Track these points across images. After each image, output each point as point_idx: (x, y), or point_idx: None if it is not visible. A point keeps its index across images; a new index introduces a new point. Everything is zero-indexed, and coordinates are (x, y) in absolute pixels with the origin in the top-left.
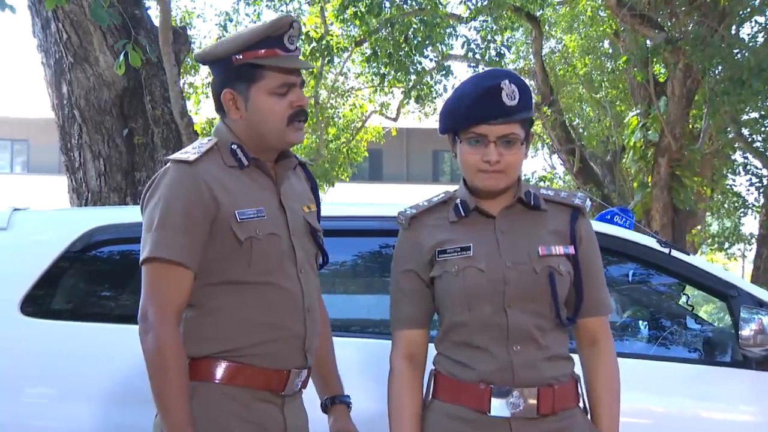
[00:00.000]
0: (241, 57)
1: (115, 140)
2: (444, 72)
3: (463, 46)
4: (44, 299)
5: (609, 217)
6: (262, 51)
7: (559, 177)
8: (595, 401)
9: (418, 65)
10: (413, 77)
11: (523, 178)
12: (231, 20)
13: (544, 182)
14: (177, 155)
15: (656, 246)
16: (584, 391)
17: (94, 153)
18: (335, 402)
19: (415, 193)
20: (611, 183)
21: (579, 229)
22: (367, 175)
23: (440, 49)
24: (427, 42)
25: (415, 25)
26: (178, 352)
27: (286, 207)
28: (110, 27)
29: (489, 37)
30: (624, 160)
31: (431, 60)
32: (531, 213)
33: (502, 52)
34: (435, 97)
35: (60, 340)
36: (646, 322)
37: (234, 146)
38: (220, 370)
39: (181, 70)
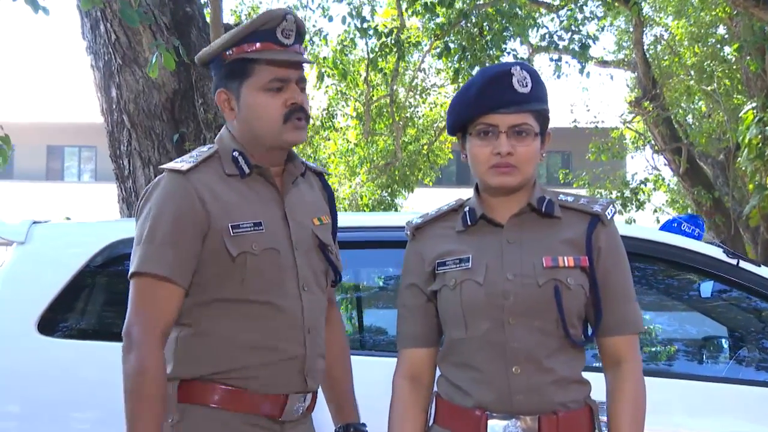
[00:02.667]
0: (231, 53)
1: (165, 146)
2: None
3: (544, 38)
4: (62, 317)
5: (675, 225)
6: (256, 45)
7: (663, 179)
8: (615, 429)
9: (495, 60)
10: None
11: (631, 181)
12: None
13: (646, 185)
14: (171, 164)
15: (723, 257)
16: (599, 418)
17: (144, 160)
18: (349, 430)
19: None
20: (724, 185)
21: (597, 239)
22: (455, 178)
23: (529, 41)
24: (504, 34)
25: (491, 17)
26: (157, 377)
27: (290, 219)
28: (160, 26)
29: (573, 27)
30: (738, 159)
31: (509, 53)
32: (544, 221)
33: (587, 43)
34: None
35: (78, 362)
36: (725, 341)
37: (235, 153)
38: (210, 393)
39: None
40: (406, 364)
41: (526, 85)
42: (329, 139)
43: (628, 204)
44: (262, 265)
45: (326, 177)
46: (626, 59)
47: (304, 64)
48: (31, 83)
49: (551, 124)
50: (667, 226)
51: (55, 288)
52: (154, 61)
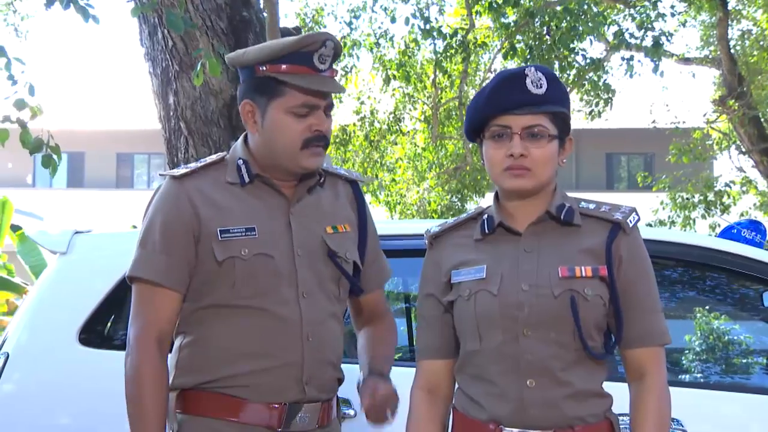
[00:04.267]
0: (265, 69)
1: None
2: (594, 65)
3: (615, 37)
4: (103, 328)
5: (735, 231)
6: (287, 66)
7: (752, 181)
8: None
9: (563, 60)
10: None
11: (716, 184)
12: (357, 17)
13: (731, 187)
14: (172, 170)
15: None
16: None
17: None
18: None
19: None
20: None
21: (618, 248)
22: None
23: (606, 38)
24: (572, 33)
25: (559, 15)
26: (155, 380)
27: (294, 226)
28: (217, 32)
29: (647, 25)
30: None
31: (577, 53)
32: (563, 229)
33: (660, 40)
34: (606, 94)
35: (119, 373)
36: None
37: (240, 161)
38: (207, 403)
39: None
40: (424, 375)
41: (541, 86)
42: (397, 144)
43: (712, 208)
44: (253, 270)
45: (361, 185)
46: (711, 56)
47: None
48: (102, 91)
49: (631, 124)
50: (726, 233)
51: (95, 299)
52: (198, 68)
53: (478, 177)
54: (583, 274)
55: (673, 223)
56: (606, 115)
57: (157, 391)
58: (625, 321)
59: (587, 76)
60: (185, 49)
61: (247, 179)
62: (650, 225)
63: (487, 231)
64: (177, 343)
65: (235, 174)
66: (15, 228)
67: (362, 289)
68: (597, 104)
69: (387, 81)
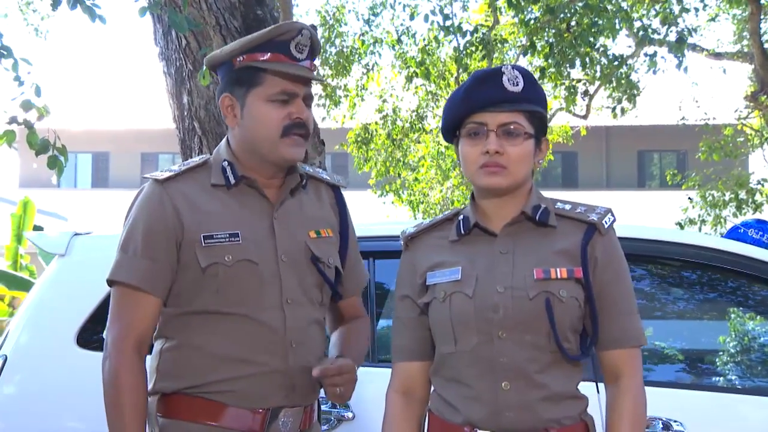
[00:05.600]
0: (242, 59)
1: None
2: (618, 62)
3: (638, 32)
4: (102, 330)
5: (741, 231)
6: (266, 55)
7: None
8: None
9: (584, 57)
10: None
11: (750, 181)
12: (376, 14)
13: (764, 185)
14: (155, 173)
15: None
16: None
17: None
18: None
19: (617, 200)
20: None
21: (593, 249)
22: (560, 181)
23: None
24: (594, 30)
25: (579, 12)
26: (133, 386)
27: (277, 231)
28: (230, 30)
29: (670, 20)
30: None
31: (599, 49)
32: (539, 230)
33: (684, 36)
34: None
35: None
36: None
37: (225, 163)
38: (189, 408)
39: (330, 72)
40: (400, 377)
41: (517, 84)
42: (420, 142)
43: (744, 206)
44: (236, 276)
45: (342, 190)
46: (743, 51)
47: (314, 83)
48: (126, 91)
49: (663, 121)
50: (733, 233)
51: (94, 301)
52: (204, 68)
53: None
54: (559, 276)
55: (703, 222)
56: (635, 111)
57: (136, 396)
58: (600, 322)
59: (615, 73)
60: (199, 49)
61: (232, 180)
62: (680, 224)
63: (462, 232)
64: (157, 346)
65: (220, 176)
66: (37, 229)
67: (341, 294)
68: (620, 101)
69: (409, 79)
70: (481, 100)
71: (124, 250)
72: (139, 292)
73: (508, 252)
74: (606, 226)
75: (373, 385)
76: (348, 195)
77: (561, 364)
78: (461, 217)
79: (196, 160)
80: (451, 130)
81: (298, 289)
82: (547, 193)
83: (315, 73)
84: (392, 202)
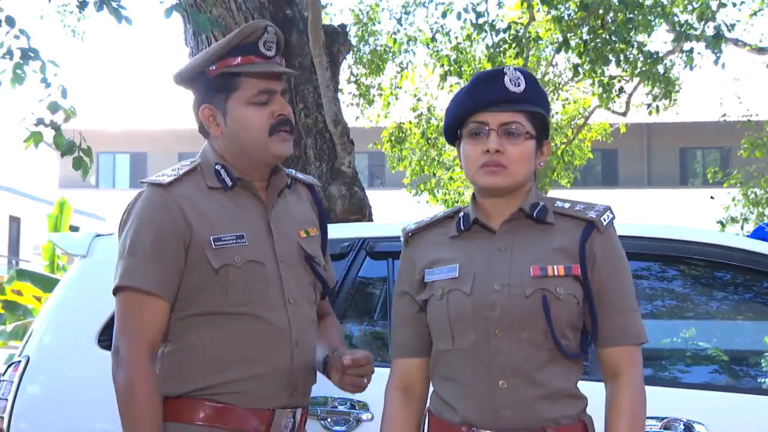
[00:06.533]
0: (214, 68)
1: None
2: (653, 59)
3: (674, 28)
4: None
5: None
6: (237, 59)
7: None
8: None
9: (619, 53)
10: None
11: None
12: (408, 13)
13: None
14: (152, 177)
15: None
16: None
17: None
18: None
19: (658, 198)
20: None
21: (591, 246)
22: (600, 179)
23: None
24: (629, 26)
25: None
26: (149, 391)
27: (274, 232)
28: None
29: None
30: None
31: (633, 45)
32: (537, 228)
33: (721, 32)
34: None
35: None
36: None
37: (218, 167)
38: (194, 411)
39: (365, 71)
40: (398, 374)
41: (519, 85)
42: None
43: None
44: (245, 277)
45: (317, 189)
46: None
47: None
48: (163, 91)
49: (706, 117)
50: (758, 233)
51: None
52: None
53: (541, 174)
54: (556, 273)
55: (746, 220)
56: (676, 108)
57: (153, 404)
58: (599, 320)
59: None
60: None
61: (229, 183)
62: (722, 223)
63: (462, 228)
64: (159, 350)
65: (214, 179)
66: (73, 229)
67: (331, 293)
68: (656, 98)
69: (444, 77)
70: (483, 100)
71: (132, 255)
72: (150, 296)
73: (506, 249)
74: (605, 223)
75: None
76: (384, 194)
77: (559, 362)
78: (462, 214)
79: (186, 164)
80: (453, 131)
81: (298, 289)
82: (586, 192)
83: (285, 66)
84: (427, 202)
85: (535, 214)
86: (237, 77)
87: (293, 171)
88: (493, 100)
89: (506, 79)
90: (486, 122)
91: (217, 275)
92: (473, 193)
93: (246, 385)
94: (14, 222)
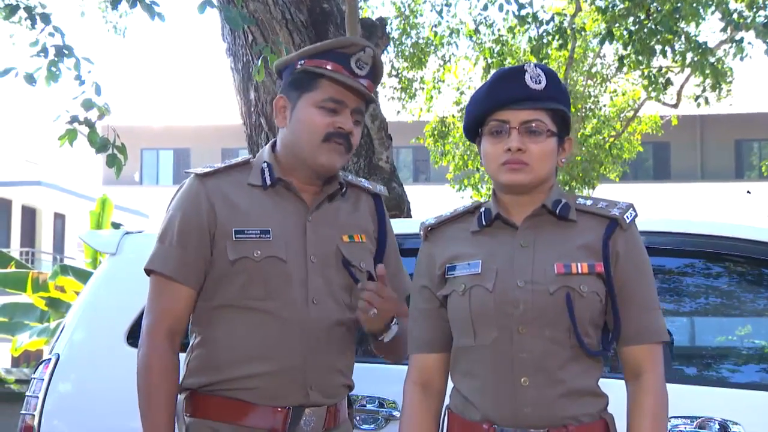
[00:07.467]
0: (303, 63)
1: None
2: (702, 49)
3: (723, 17)
4: None
5: None
6: (327, 64)
7: None
8: None
9: (665, 44)
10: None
11: None
12: (449, 5)
13: None
14: (196, 168)
15: None
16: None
17: None
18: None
19: (712, 192)
20: None
21: (615, 244)
22: (652, 173)
23: (730, 17)
24: (676, 16)
25: None
26: (164, 373)
27: (309, 232)
28: (297, 25)
29: (757, 3)
30: None
31: (679, 36)
32: (560, 224)
33: None
34: (723, 78)
35: None
36: None
37: (264, 164)
38: (211, 406)
39: (407, 64)
40: (417, 369)
41: (540, 82)
42: None
43: None
44: (263, 272)
45: (383, 198)
46: None
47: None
48: (207, 86)
49: (761, 109)
50: None
51: (144, 300)
52: (260, 63)
53: (588, 168)
54: (579, 271)
55: None
56: (730, 99)
57: (166, 384)
58: (621, 318)
59: (703, 60)
60: (265, 44)
61: (269, 182)
62: None
63: (484, 223)
64: (191, 342)
65: (258, 177)
66: (115, 226)
67: None
68: (704, 90)
69: (487, 69)
70: (504, 98)
71: (161, 241)
72: (172, 282)
73: (529, 245)
74: (628, 221)
75: None
76: (428, 189)
77: (581, 360)
78: (483, 209)
79: (239, 159)
80: (474, 129)
81: (325, 289)
82: (636, 186)
83: (372, 95)
84: (471, 197)
85: (558, 211)
86: (318, 78)
87: (362, 180)
88: (513, 98)
89: (527, 76)
90: (507, 120)
91: (233, 267)
92: (493, 191)
93: (259, 381)
94: (59, 219)
